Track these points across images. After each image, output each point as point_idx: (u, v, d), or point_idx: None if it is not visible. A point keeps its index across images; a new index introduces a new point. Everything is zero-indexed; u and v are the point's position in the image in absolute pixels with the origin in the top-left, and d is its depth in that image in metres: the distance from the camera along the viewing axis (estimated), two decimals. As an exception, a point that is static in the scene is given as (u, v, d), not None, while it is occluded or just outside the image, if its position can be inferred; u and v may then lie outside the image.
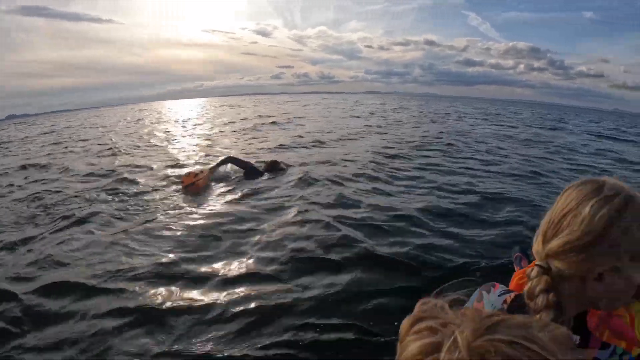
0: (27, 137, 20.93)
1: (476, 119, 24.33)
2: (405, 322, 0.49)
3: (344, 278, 3.55)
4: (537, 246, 0.78)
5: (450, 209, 5.37)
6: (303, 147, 11.05)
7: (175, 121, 25.31)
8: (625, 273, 0.70)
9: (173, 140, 14.44)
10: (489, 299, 0.88)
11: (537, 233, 0.79)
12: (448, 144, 11.41)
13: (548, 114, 40.70)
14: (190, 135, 15.79)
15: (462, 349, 0.41)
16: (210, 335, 2.87)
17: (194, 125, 21.17)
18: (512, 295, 0.86)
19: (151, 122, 25.30)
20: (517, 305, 0.81)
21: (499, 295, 0.88)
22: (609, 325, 1.07)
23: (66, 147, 13.88)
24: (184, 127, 20.41)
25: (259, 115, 23.90)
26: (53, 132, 22.93)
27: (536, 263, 0.77)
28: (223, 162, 7.72)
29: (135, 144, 13.68)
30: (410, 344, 0.45)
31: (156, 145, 12.94)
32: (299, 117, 21.81)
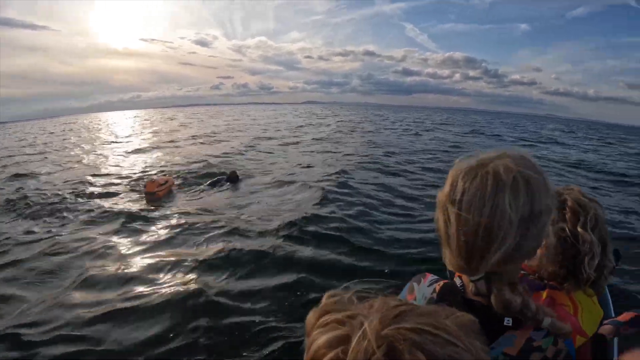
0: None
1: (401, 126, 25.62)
2: (311, 316, 0.48)
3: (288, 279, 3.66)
4: (459, 263, 0.72)
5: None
6: (244, 156, 11.18)
7: (111, 134, 24.03)
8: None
9: (104, 154, 13.78)
10: (420, 289, 0.87)
11: (454, 251, 0.72)
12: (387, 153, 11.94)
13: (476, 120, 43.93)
14: (125, 150, 15.04)
15: (370, 338, 0.41)
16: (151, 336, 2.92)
17: (127, 138, 20.29)
18: (441, 283, 0.85)
19: (82, 136, 23.80)
20: (447, 292, 0.81)
21: (428, 285, 0.87)
22: (554, 312, 1.00)
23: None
24: (117, 141, 19.55)
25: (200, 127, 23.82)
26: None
27: (472, 279, 0.74)
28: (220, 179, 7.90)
29: (63, 159, 12.74)
30: (317, 337, 0.45)
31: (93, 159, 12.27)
32: (235, 129, 21.84)
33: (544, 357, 0.71)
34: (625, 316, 2.07)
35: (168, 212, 5.92)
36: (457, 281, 0.81)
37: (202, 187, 7.57)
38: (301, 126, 24.42)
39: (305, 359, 0.46)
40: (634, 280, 3.57)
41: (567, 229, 1.08)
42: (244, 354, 2.69)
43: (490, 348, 0.70)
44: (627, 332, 2.02)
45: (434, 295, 0.83)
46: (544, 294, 1.10)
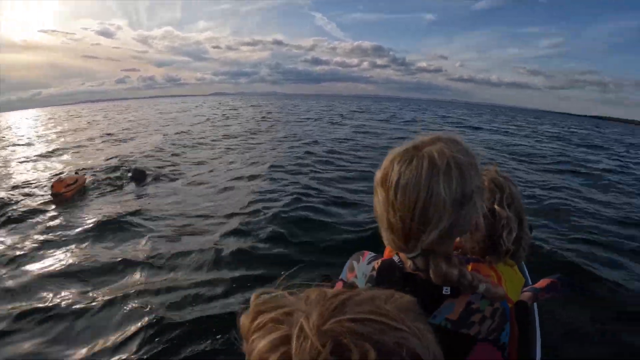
0: None
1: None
2: (245, 320, 0.46)
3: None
4: (398, 243, 0.77)
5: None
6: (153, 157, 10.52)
7: (13, 137, 20.74)
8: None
9: (6, 160, 11.97)
10: (360, 267, 0.90)
11: (392, 232, 0.76)
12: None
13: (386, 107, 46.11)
14: (28, 154, 13.06)
15: (311, 336, 0.39)
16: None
17: (30, 140, 17.88)
18: (379, 261, 0.88)
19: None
20: (385, 269, 0.85)
21: (367, 263, 0.90)
22: None
23: None
24: (19, 143, 17.05)
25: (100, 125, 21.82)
26: None
27: (410, 256, 0.78)
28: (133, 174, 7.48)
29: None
30: (257, 342, 0.42)
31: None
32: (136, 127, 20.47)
33: (483, 316, 0.78)
34: (541, 283, 2.33)
35: (78, 214, 5.46)
36: (395, 257, 0.84)
37: (116, 185, 7.13)
38: (216, 119, 23.61)
39: None
40: (547, 248, 4.04)
41: (485, 207, 1.18)
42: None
43: (432, 317, 0.76)
44: (544, 297, 2.28)
45: (374, 272, 0.86)
46: (469, 268, 1.20)
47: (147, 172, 7.75)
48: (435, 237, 0.72)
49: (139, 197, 6.42)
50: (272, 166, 8.19)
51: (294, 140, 12.96)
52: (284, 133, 15.12)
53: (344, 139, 13.68)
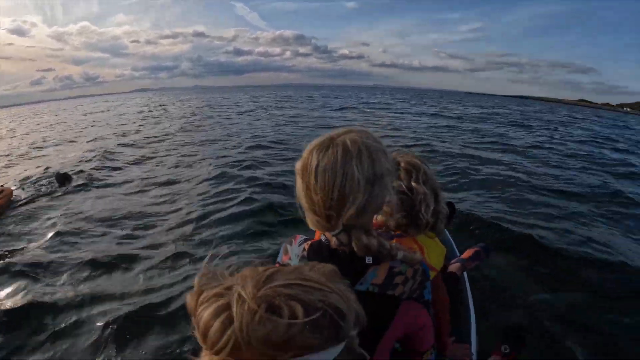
0: None
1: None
2: (190, 298, 0.52)
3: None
4: (321, 223, 0.86)
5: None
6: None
7: None
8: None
9: None
10: (292, 249, 0.99)
11: (315, 213, 0.85)
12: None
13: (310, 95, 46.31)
14: None
15: (248, 301, 0.47)
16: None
17: None
18: (309, 242, 0.97)
19: None
20: (315, 249, 0.94)
21: (299, 245, 0.98)
22: None
23: None
24: None
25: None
26: None
27: (334, 234, 0.87)
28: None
29: None
30: (202, 313, 0.49)
31: None
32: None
33: (405, 278, 0.89)
34: (467, 253, 2.52)
35: (4, 227, 5.02)
36: (322, 237, 0.93)
37: (44, 193, 6.61)
38: (144, 117, 22.26)
39: (198, 336, 0.50)
40: (467, 222, 4.29)
41: (403, 186, 1.28)
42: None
43: (359, 284, 0.86)
44: (471, 266, 2.47)
45: (304, 253, 0.96)
46: (393, 243, 1.29)
47: (72, 176, 7.25)
48: (353, 213, 0.82)
49: (66, 202, 6.01)
50: (212, 164, 7.94)
51: (233, 133, 12.72)
52: (220, 128, 14.73)
53: (283, 128, 13.70)
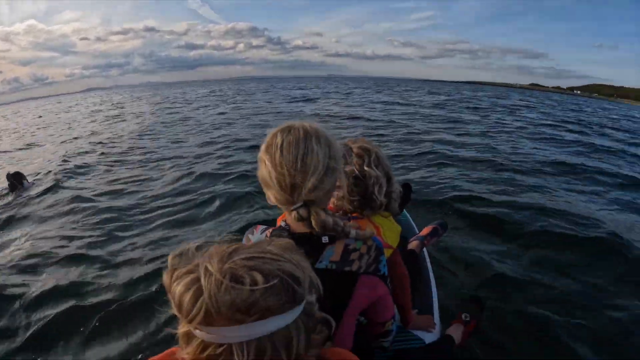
0: None
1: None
2: (166, 276, 0.59)
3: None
4: (285, 196, 0.95)
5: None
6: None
7: None
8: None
9: None
10: (255, 238, 1.07)
11: (278, 188, 0.95)
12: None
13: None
14: None
15: (215, 273, 0.54)
16: None
17: None
18: (270, 229, 1.05)
19: None
20: (276, 235, 1.01)
21: (261, 233, 1.06)
22: None
23: None
24: None
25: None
26: None
27: (295, 207, 0.95)
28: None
29: None
30: (176, 287, 0.56)
31: None
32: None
33: (360, 254, 0.98)
34: (425, 231, 2.65)
35: None
36: (282, 223, 1.02)
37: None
38: (103, 116, 20.94)
39: (174, 308, 0.57)
40: (426, 205, 4.46)
41: (356, 170, 1.35)
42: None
43: (318, 262, 0.96)
44: (430, 242, 2.60)
45: (267, 240, 1.02)
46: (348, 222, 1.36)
47: (17, 176, 6.49)
48: (315, 183, 0.92)
49: (17, 203, 5.64)
50: (178, 162, 7.65)
51: (197, 129, 12.40)
52: (188, 123, 14.23)
53: (252, 118, 13.62)
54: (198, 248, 0.63)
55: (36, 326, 2.64)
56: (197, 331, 0.56)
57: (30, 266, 3.52)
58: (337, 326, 0.94)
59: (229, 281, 0.53)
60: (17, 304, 2.89)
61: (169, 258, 0.61)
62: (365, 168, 1.36)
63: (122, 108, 26.04)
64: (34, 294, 2.99)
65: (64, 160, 8.38)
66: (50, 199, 5.66)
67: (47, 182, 6.49)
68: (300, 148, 0.91)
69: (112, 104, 32.50)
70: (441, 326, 1.89)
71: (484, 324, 2.22)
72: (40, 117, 25.71)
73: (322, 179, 0.92)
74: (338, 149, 0.98)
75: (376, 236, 1.37)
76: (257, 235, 1.07)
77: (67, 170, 7.52)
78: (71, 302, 2.85)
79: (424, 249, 2.40)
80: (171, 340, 0.62)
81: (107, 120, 17.78)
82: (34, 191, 6.12)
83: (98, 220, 4.64)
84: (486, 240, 3.56)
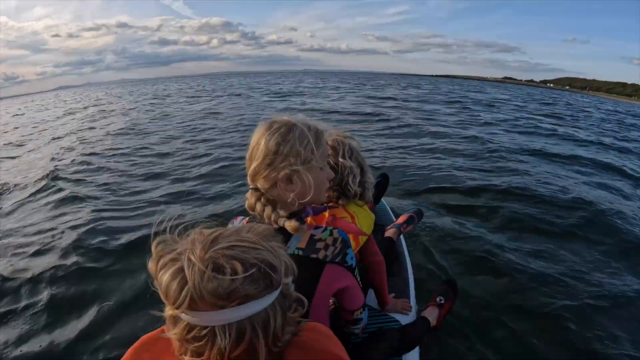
0: None
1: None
2: (151, 264, 0.63)
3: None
4: (248, 179, 1.08)
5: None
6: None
7: None
8: (304, 174, 1.02)
9: None
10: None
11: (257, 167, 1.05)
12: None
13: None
14: None
15: (198, 264, 0.58)
16: None
17: None
18: (247, 218, 1.14)
19: None
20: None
21: (239, 223, 1.13)
22: (336, 224, 1.32)
23: None
24: None
25: None
26: None
27: (250, 187, 1.07)
28: None
29: None
30: (162, 276, 0.61)
31: None
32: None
33: (326, 244, 1.04)
34: (401, 218, 2.74)
35: None
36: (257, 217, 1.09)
37: None
38: (83, 115, 20.16)
39: (161, 295, 0.62)
40: (403, 194, 4.61)
41: (331, 161, 1.41)
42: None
43: (287, 247, 1.00)
44: (407, 229, 2.68)
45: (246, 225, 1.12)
46: (326, 214, 1.42)
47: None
48: (255, 169, 1.04)
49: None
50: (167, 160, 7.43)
51: (190, 121, 12.31)
52: (178, 120, 13.70)
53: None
54: (179, 230, 0.68)
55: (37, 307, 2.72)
56: (183, 315, 0.61)
57: (20, 262, 3.46)
58: (310, 310, 1.01)
59: (211, 271, 0.58)
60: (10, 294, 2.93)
61: (153, 246, 0.65)
62: (340, 159, 1.43)
63: (96, 106, 25.25)
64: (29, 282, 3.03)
65: (51, 159, 8.14)
66: (40, 197, 5.50)
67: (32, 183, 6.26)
68: (253, 138, 1.05)
69: (83, 104, 31.45)
70: (417, 309, 1.99)
71: (458, 306, 2.32)
72: (17, 115, 24.66)
73: (265, 167, 1.02)
74: (301, 145, 1.01)
75: (351, 223, 1.45)
76: (236, 224, 1.10)
77: (52, 171, 7.34)
78: (63, 291, 2.90)
79: (401, 236, 2.49)
80: (159, 319, 0.67)
81: (83, 120, 17.23)
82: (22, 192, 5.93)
83: (88, 219, 4.53)
84: (461, 225, 3.69)
